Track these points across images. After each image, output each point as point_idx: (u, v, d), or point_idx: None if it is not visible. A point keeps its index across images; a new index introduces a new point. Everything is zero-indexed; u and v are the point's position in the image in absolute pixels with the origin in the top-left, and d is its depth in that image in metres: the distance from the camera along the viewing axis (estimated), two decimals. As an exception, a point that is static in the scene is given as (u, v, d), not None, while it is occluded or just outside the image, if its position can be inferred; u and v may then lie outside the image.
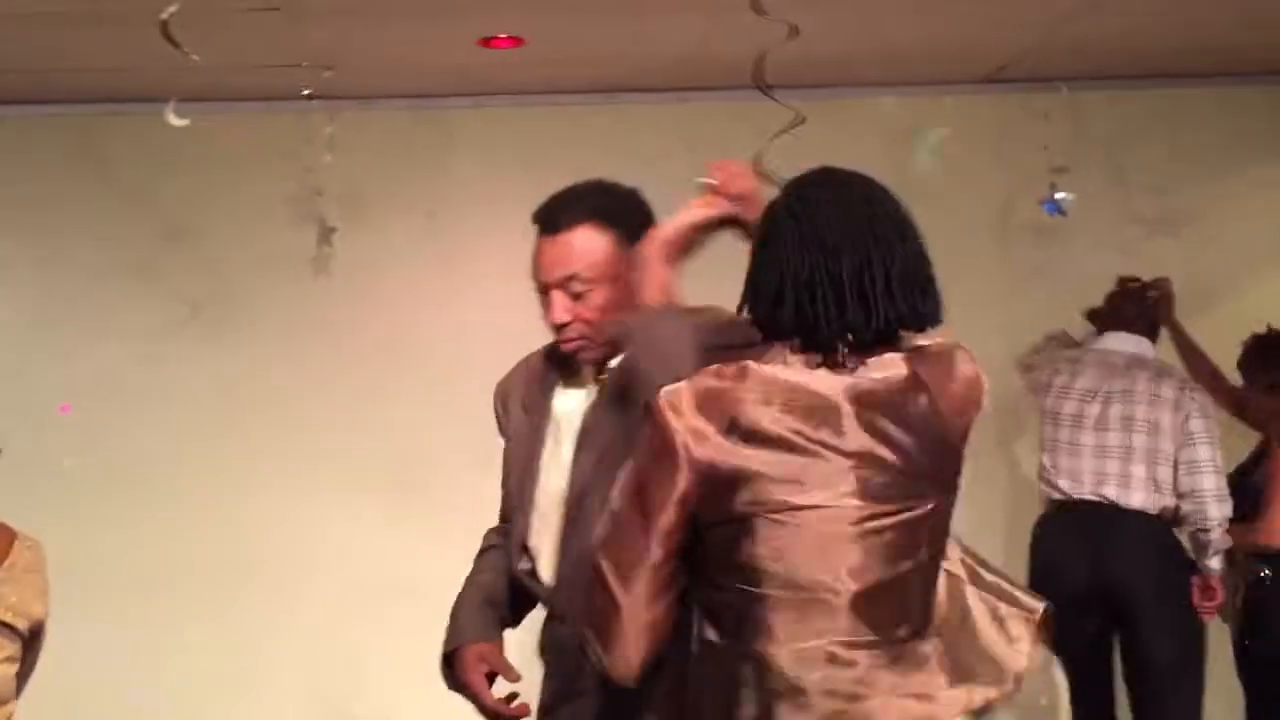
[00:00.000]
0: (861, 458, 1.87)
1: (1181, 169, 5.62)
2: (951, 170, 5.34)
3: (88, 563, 4.82)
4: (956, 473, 1.99)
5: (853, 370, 1.91)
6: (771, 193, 2.10)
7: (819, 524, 1.84)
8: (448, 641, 2.51)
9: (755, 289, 1.96)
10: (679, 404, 1.86)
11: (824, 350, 1.91)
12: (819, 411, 1.87)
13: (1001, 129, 5.36)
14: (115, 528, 4.86)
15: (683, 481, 1.84)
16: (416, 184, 5.24)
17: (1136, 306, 4.67)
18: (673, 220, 2.27)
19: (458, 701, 5.18)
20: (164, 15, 3.25)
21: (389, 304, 5.24)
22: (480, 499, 5.13)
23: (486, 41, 4.59)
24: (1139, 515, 4.31)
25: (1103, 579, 4.28)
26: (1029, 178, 4.95)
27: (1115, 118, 5.50)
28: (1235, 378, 4.86)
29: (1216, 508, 4.27)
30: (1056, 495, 4.39)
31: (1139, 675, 4.38)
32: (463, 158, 5.28)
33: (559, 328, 2.37)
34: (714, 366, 1.90)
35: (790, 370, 1.91)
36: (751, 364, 1.90)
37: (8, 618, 2.28)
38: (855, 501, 1.85)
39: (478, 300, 5.30)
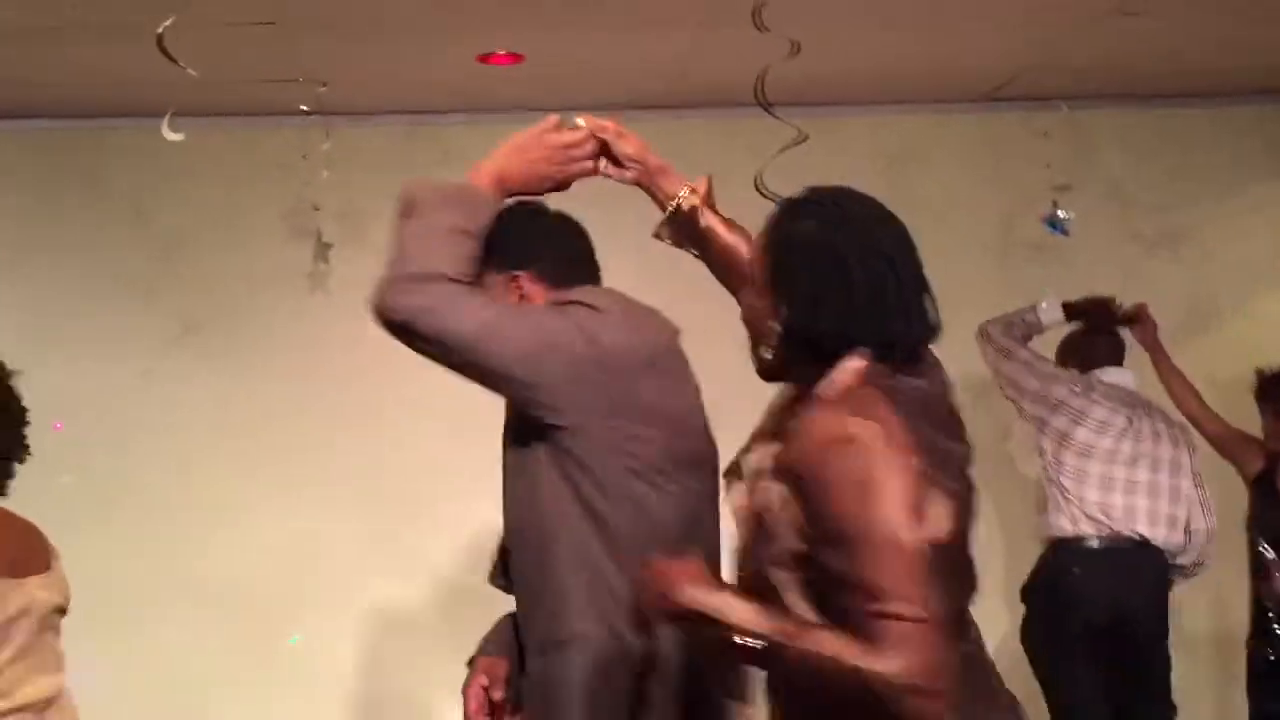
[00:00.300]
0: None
1: (1181, 188, 5.60)
2: (952, 189, 5.31)
3: (81, 579, 4.75)
4: None
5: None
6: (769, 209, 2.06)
7: None
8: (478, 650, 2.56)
9: (815, 299, 1.88)
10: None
11: (901, 358, 1.89)
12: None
13: (1002, 147, 5.33)
14: (110, 545, 4.79)
15: None
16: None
17: (1111, 340, 4.70)
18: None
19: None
20: (160, 29, 3.22)
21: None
22: (478, 515, 5.11)
23: (485, 58, 4.55)
24: (1159, 552, 4.39)
25: (1125, 613, 4.35)
26: (1029, 196, 4.92)
27: (1115, 137, 5.48)
28: (1232, 401, 4.83)
29: (1213, 547, 4.44)
30: (1087, 528, 4.38)
31: (1138, 694, 4.45)
32: (460, 174, 5.23)
33: None
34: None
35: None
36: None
37: (66, 605, 2.53)
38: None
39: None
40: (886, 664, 1.67)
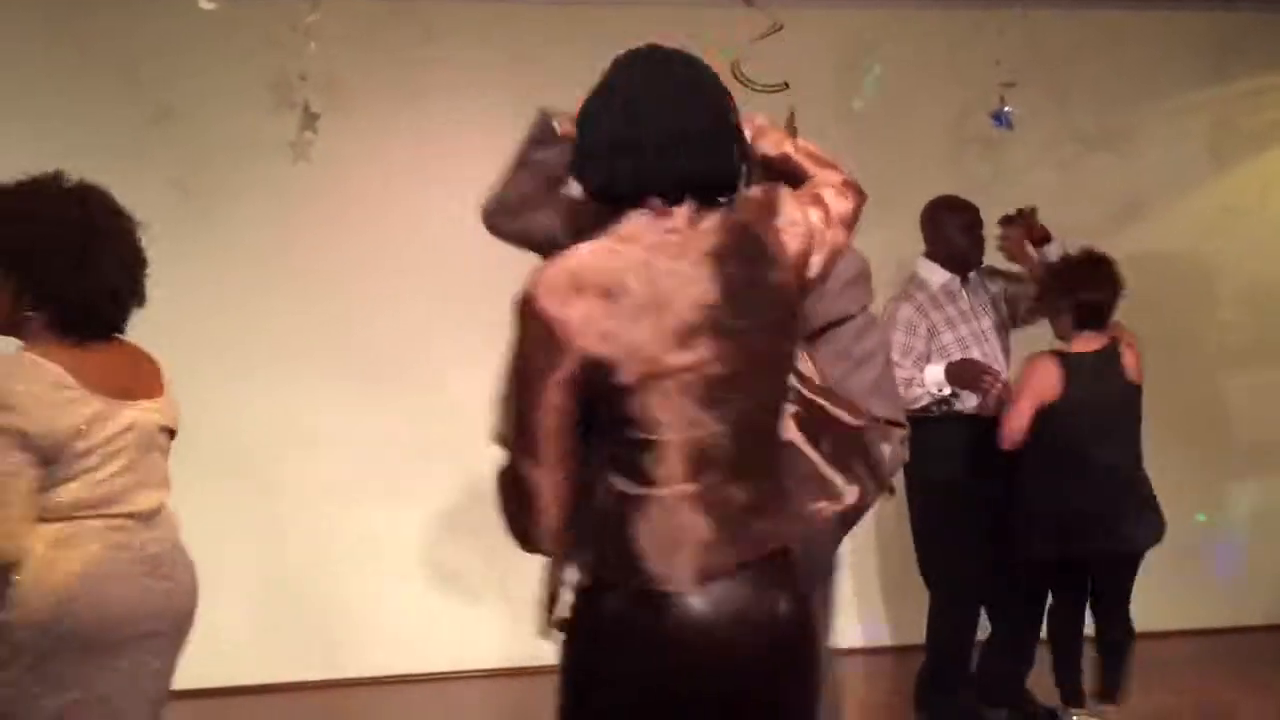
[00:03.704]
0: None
1: (1119, 88, 5.57)
2: (908, 83, 5.23)
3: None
4: (790, 318, 1.98)
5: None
6: (748, 95, 2.02)
7: None
8: None
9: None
10: None
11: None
12: None
13: (956, 43, 5.25)
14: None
15: None
16: (395, 73, 5.08)
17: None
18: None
19: (424, 584, 5.21)
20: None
21: (368, 188, 5.11)
22: (455, 380, 5.10)
23: (467, -64, 4.41)
24: None
25: None
26: (982, 92, 4.86)
27: (1064, 36, 5.41)
28: (1162, 288, 4.86)
29: None
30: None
31: None
32: (440, 48, 5.12)
33: None
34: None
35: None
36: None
37: (175, 427, 2.59)
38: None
39: (455, 187, 5.17)
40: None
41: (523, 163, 2.39)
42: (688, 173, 1.92)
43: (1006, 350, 4.46)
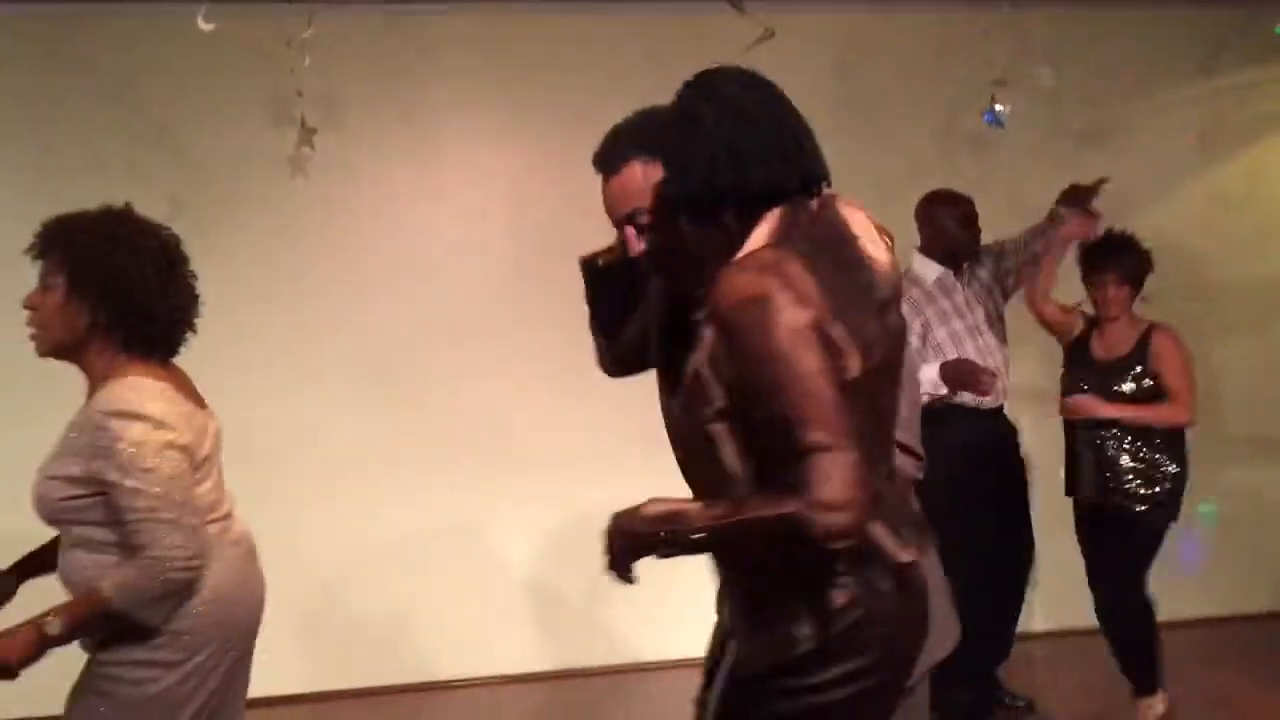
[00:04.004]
0: None
1: (1110, 84, 5.60)
2: (898, 83, 5.26)
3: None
4: None
5: None
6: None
7: None
8: None
9: (680, 166, 1.90)
10: None
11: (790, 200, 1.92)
12: None
13: (947, 43, 5.28)
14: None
15: None
16: (392, 88, 5.09)
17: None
18: None
19: (416, 570, 5.20)
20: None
21: (365, 202, 5.12)
22: (448, 390, 5.12)
23: (460, -52, 4.42)
24: None
25: None
26: (972, 91, 4.88)
27: (1052, 34, 5.44)
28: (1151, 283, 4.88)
29: None
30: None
31: None
32: (435, 61, 5.13)
33: (638, 260, 2.32)
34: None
35: None
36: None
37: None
38: None
39: (453, 199, 5.19)
40: (810, 493, 1.72)
41: (595, 316, 2.52)
42: (823, 169, 1.94)
43: (1002, 339, 4.46)
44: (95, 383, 2.49)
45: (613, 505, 2.01)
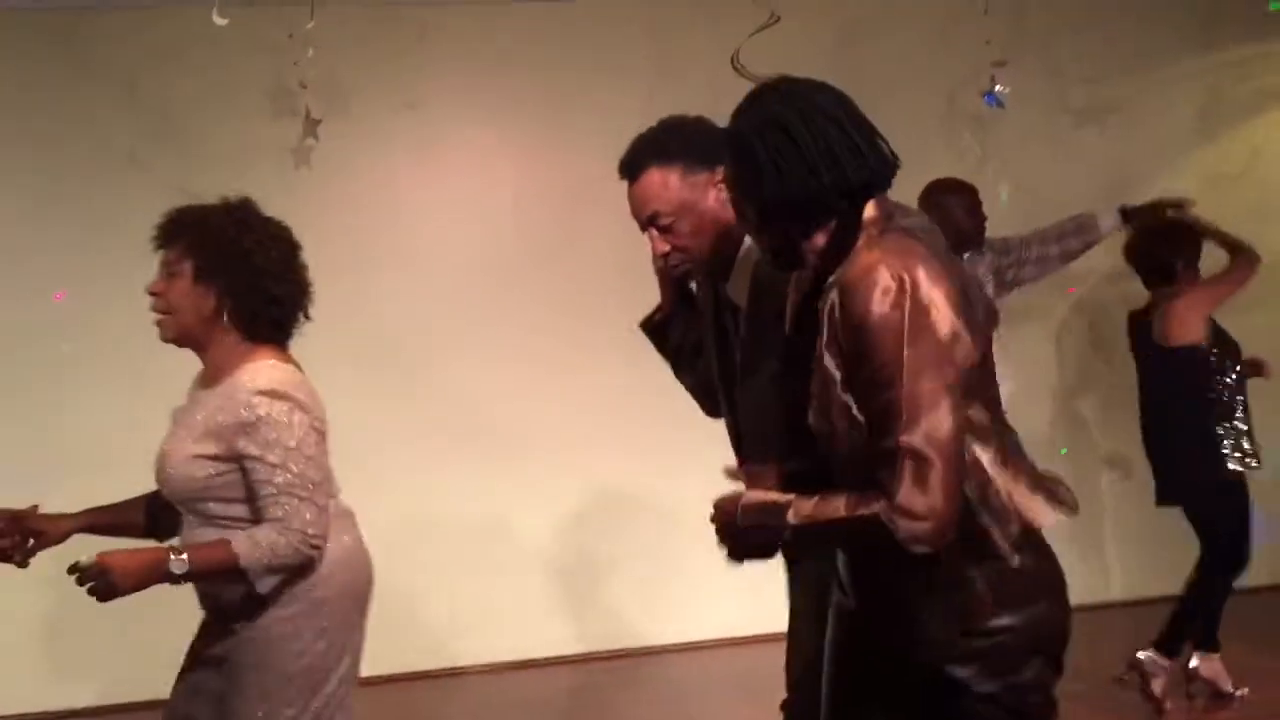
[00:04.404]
0: None
1: (1109, 62, 5.57)
2: (900, 63, 5.23)
3: (80, 443, 4.74)
4: None
5: None
6: (745, 87, 2.03)
7: None
8: None
9: (777, 168, 1.88)
10: None
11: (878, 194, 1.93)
12: None
13: (946, 23, 5.25)
14: (109, 409, 4.75)
15: None
16: (393, 77, 5.07)
17: None
18: None
19: (424, 558, 5.20)
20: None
21: (369, 192, 5.10)
22: (453, 376, 5.11)
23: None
24: None
25: None
26: (971, 71, 4.86)
27: (1051, 12, 5.41)
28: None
29: None
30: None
31: None
32: (436, 51, 5.11)
33: (664, 258, 2.48)
34: None
35: None
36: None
37: None
38: None
39: (456, 188, 5.18)
40: (897, 496, 1.75)
41: (675, 368, 2.70)
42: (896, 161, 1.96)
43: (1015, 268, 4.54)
44: (219, 367, 2.54)
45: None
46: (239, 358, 2.51)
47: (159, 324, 2.58)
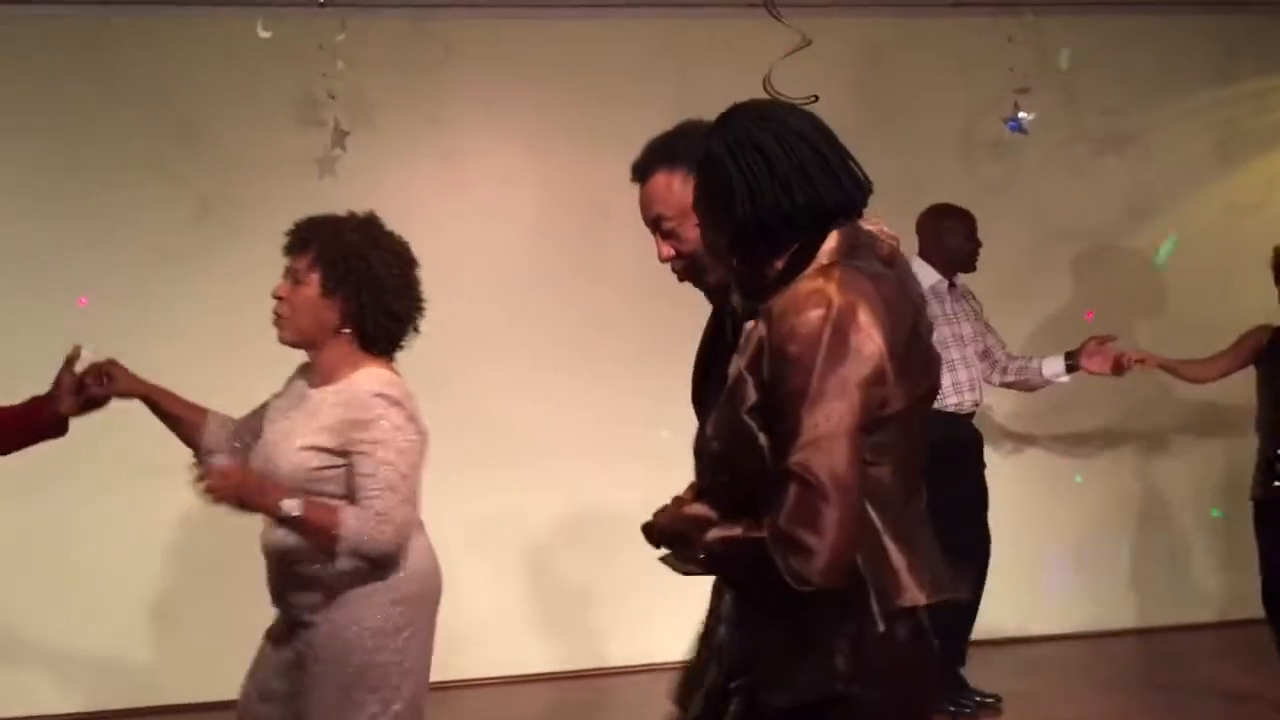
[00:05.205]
0: None
1: (1128, 92, 5.54)
2: (922, 89, 5.21)
3: (99, 447, 4.71)
4: None
5: None
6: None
7: None
8: None
9: (749, 189, 1.82)
10: None
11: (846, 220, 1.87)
12: None
13: (969, 51, 5.23)
14: (129, 415, 4.74)
15: None
16: (419, 91, 5.07)
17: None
18: None
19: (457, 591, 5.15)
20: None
21: (393, 203, 5.06)
22: (471, 386, 5.09)
23: (485, -47, 4.39)
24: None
25: None
26: (993, 97, 4.84)
27: (1072, 42, 5.38)
28: (1169, 284, 4.90)
29: None
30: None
31: None
32: (461, 66, 5.11)
33: (670, 265, 2.43)
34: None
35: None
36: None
37: None
38: None
39: (479, 201, 5.17)
40: (781, 519, 1.66)
41: None
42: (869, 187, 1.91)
43: (985, 354, 4.62)
44: (333, 369, 2.62)
45: (626, 506, 1.99)
46: (354, 363, 2.61)
47: (278, 324, 2.65)
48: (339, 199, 4.74)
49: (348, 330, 2.61)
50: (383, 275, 2.63)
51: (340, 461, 2.53)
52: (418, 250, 5.02)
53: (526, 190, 5.15)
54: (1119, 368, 4.51)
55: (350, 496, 2.52)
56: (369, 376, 2.58)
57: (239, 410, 2.84)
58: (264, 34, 3.90)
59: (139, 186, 4.86)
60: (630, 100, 4.93)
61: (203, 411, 2.83)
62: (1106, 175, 5.54)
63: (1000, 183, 5.10)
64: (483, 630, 5.02)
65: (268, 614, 2.73)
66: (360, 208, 4.99)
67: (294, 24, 4.40)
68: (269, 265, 4.83)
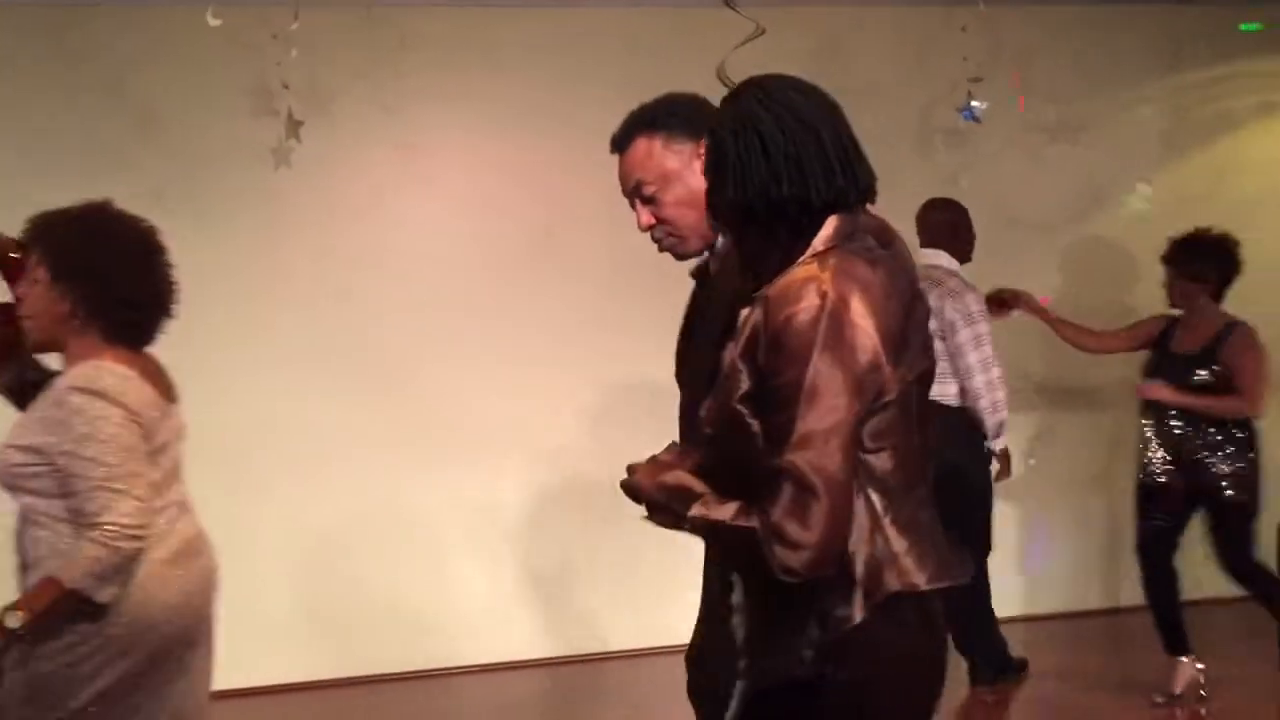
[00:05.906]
0: None
1: (1081, 81, 5.58)
2: (876, 79, 5.22)
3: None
4: None
5: None
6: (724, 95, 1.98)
7: None
8: None
9: (743, 171, 1.81)
10: None
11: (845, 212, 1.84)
12: None
13: (924, 40, 5.25)
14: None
15: None
16: (374, 80, 5.01)
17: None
18: None
19: (409, 558, 5.14)
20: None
21: (350, 193, 5.04)
22: (429, 377, 5.05)
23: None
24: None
25: None
26: (947, 87, 4.86)
27: (1025, 32, 5.42)
28: (1121, 269, 5.00)
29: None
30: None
31: None
32: (416, 54, 5.05)
33: (650, 234, 2.38)
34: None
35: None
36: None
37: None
38: None
39: (436, 189, 5.12)
40: (773, 517, 1.66)
41: None
42: (874, 177, 1.88)
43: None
44: (71, 367, 2.50)
45: (607, 492, 1.97)
46: (91, 356, 2.46)
47: (25, 330, 2.54)
48: (295, 189, 4.75)
49: (77, 321, 2.46)
50: (109, 263, 2.48)
51: (41, 460, 2.39)
52: (377, 240, 5.05)
53: (482, 178, 5.11)
54: (1001, 305, 4.61)
55: (64, 495, 2.38)
56: (73, 371, 2.42)
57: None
58: (214, 21, 3.83)
59: (93, 175, 4.76)
60: (588, 88, 4.90)
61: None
62: (1058, 163, 5.59)
63: (955, 171, 5.13)
64: (480, 616, 5.02)
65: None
66: (316, 198, 5.00)
67: (248, 12, 4.33)
68: (227, 256, 4.83)
